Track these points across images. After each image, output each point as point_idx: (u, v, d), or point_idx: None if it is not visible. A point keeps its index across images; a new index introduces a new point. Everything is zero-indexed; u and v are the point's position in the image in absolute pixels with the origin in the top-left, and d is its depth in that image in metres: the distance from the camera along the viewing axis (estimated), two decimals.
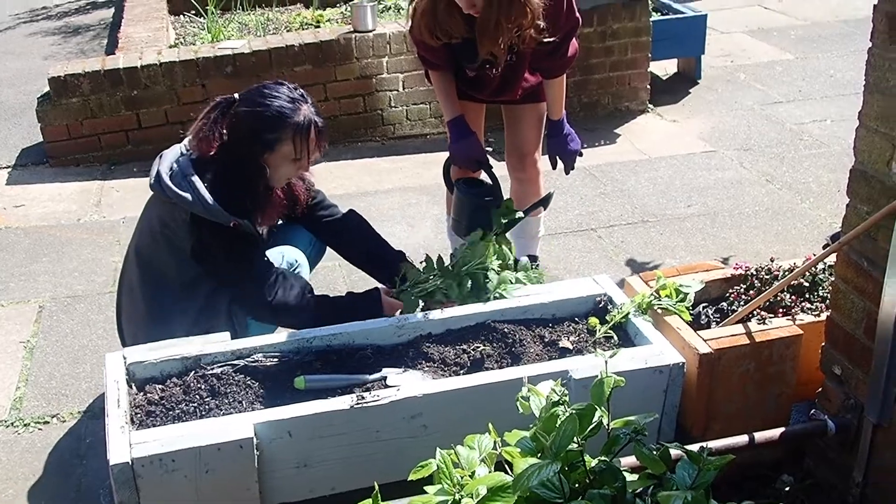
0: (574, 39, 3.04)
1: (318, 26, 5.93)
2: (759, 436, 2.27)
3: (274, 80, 2.77)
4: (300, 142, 2.63)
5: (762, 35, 6.92)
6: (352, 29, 5.17)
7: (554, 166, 3.26)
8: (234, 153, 2.62)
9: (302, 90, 2.71)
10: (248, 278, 2.66)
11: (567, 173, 3.29)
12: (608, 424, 1.45)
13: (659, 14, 5.80)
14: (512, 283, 2.78)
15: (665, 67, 6.16)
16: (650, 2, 5.49)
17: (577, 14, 2.97)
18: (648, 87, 5.57)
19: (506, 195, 3.14)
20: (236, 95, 2.68)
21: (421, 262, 2.91)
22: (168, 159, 2.67)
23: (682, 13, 5.82)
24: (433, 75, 3.17)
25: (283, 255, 2.88)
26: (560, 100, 3.19)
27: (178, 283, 2.70)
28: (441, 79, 3.13)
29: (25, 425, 2.96)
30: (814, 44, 6.66)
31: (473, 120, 3.22)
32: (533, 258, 3.42)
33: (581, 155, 3.28)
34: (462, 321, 2.64)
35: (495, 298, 2.72)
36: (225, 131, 2.63)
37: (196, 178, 2.57)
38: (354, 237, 3.06)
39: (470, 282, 2.76)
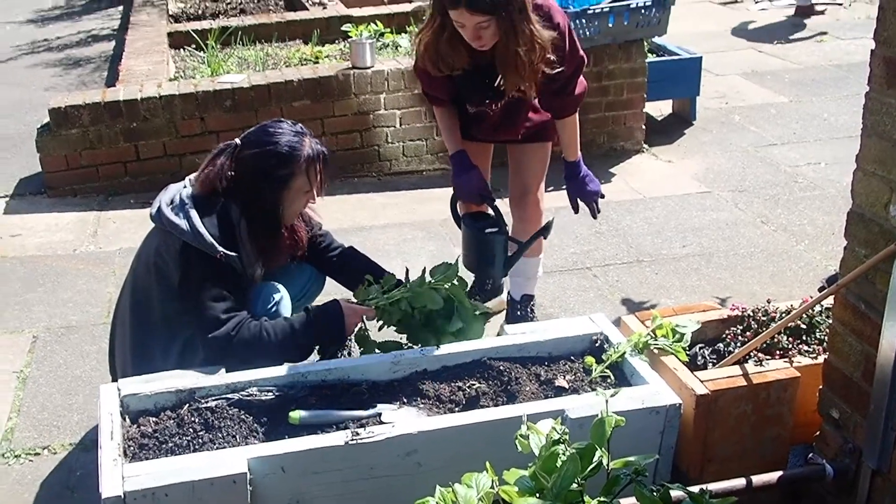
0: (581, 77, 3.07)
1: (317, 62, 5.98)
2: (757, 479, 2.26)
3: (271, 119, 2.80)
4: (312, 173, 2.67)
5: (756, 78, 7.00)
6: (350, 65, 5.21)
7: (576, 210, 3.26)
8: (244, 194, 2.65)
9: (300, 124, 2.74)
10: (213, 311, 2.59)
11: (594, 217, 3.29)
12: (608, 465, 1.44)
13: (654, 55, 5.86)
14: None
15: (660, 108, 6.21)
16: (646, 43, 5.56)
17: (582, 52, 3.01)
18: (644, 127, 5.62)
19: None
20: (237, 141, 2.71)
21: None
22: (171, 192, 2.71)
23: (678, 55, 5.89)
24: (437, 111, 3.21)
25: (263, 291, 2.84)
26: (574, 141, 3.19)
27: (161, 317, 2.69)
28: (444, 114, 3.17)
29: (16, 456, 2.92)
30: (807, 87, 6.73)
31: (479, 160, 3.24)
32: (529, 297, 3.41)
33: (602, 196, 3.26)
34: (457, 358, 2.63)
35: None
36: (232, 174, 2.65)
37: (193, 211, 2.59)
38: (358, 267, 3.07)
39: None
